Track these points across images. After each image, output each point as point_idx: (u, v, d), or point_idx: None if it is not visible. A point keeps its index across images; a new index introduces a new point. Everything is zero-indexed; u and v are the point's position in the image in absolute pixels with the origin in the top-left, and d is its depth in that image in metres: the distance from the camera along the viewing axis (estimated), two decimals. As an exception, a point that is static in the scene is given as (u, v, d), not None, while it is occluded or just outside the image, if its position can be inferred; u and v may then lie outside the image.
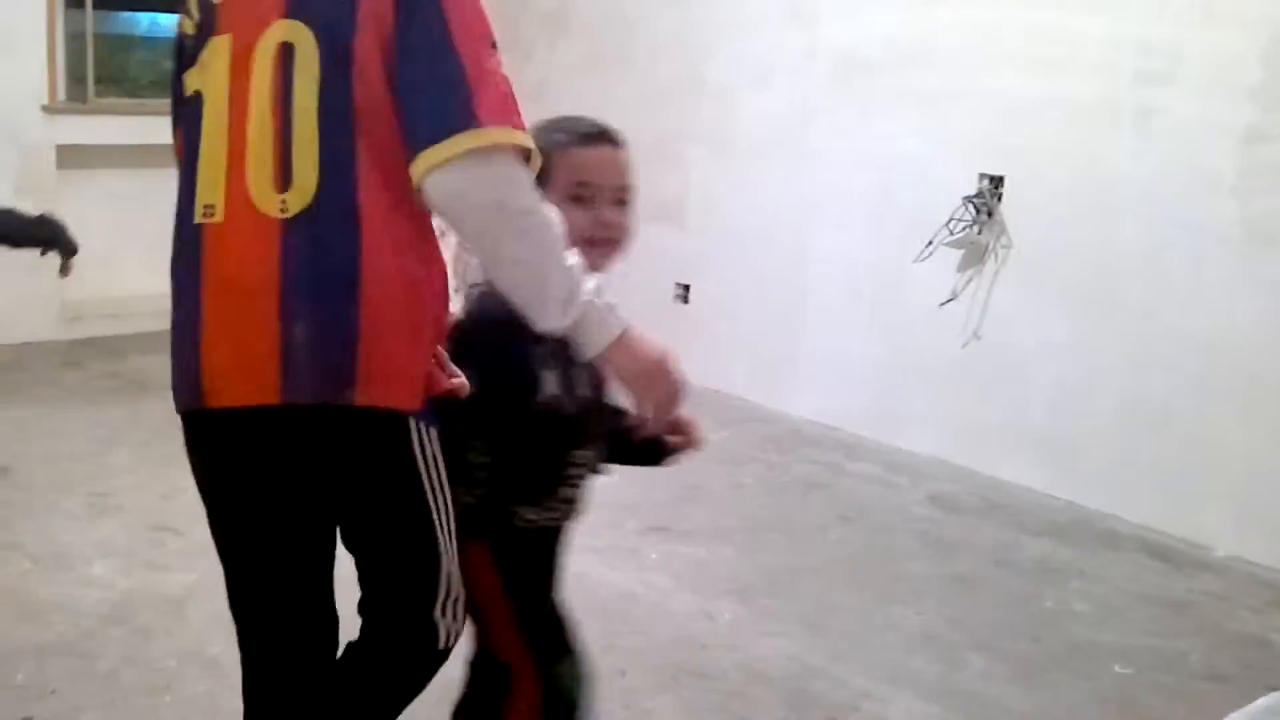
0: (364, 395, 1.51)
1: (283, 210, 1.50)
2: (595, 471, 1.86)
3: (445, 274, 1.65)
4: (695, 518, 3.85)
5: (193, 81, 1.59)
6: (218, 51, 1.56)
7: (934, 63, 4.42)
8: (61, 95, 5.19)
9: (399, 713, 1.70)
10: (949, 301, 4.40)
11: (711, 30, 5.17)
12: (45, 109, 5.06)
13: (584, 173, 1.66)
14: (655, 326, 5.56)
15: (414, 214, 1.57)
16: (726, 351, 5.20)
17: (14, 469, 3.78)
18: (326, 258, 1.50)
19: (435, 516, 1.60)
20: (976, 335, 4.36)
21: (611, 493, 3.94)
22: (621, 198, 1.72)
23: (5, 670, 2.70)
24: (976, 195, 4.30)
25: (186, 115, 1.61)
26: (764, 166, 5.01)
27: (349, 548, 1.67)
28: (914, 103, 4.49)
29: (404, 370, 1.55)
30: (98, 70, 5.29)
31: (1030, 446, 4.23)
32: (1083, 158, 4.06)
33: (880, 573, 3.53)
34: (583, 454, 1.79)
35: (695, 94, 5.24)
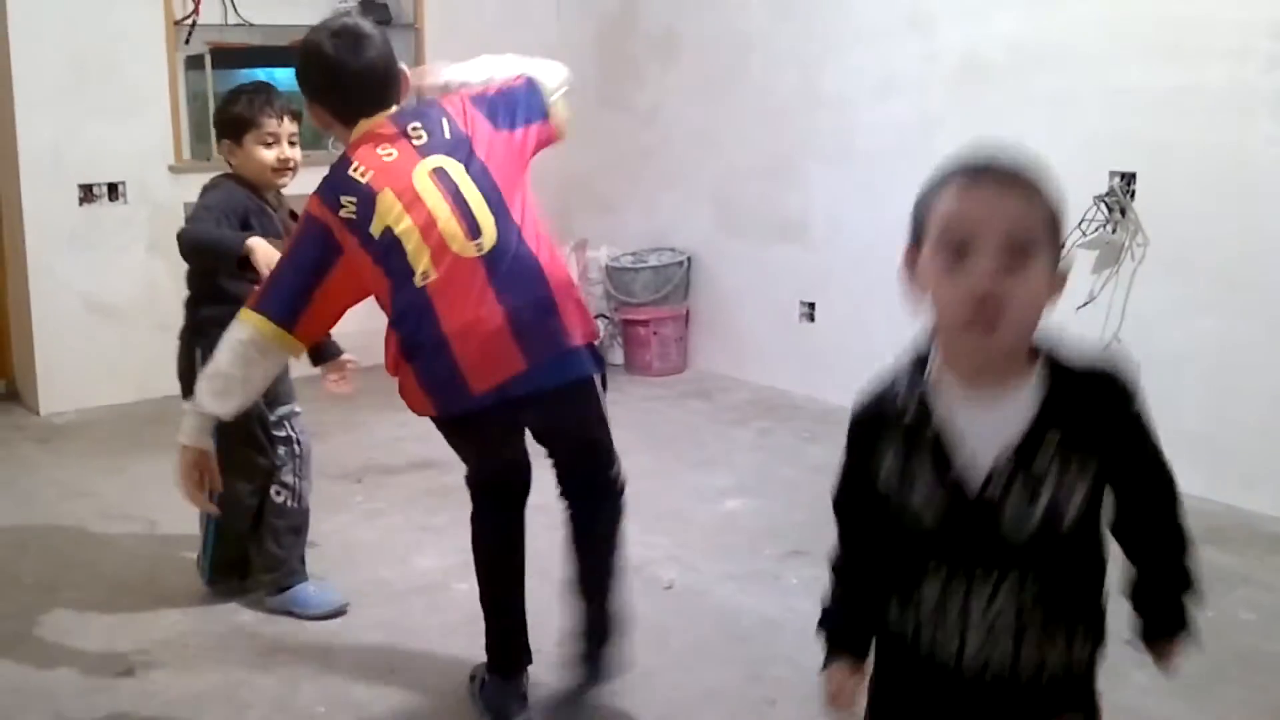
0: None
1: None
2: None
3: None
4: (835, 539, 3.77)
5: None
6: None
7: (1057, 61, 4.31)
8: (186, 154, 5.36)
9: None
10: (1086, 304, 4.26)
11: (827, 42, 5.11)
12: (172, 168, 5.23)
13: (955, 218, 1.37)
14: (781, 346, 5.56)
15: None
16: (856, 368, 5.06)
17: (162, 521, 3.89)
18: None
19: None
20: (1117, 338, 4.21)
21: (749, 518, 3.94)
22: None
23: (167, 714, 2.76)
24: (1108, 194, 4.17)
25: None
26: (887, 177, 4.92)
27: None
28: (1038, 103, 4.38)
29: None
30: (219, 128, 5.44)
31: (1183, 450, 4.01)
32: (1218, 147, 3.91)
33: (1031, 588, 3.42)
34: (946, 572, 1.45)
35: (812, 108, 5.19)
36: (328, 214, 2.44)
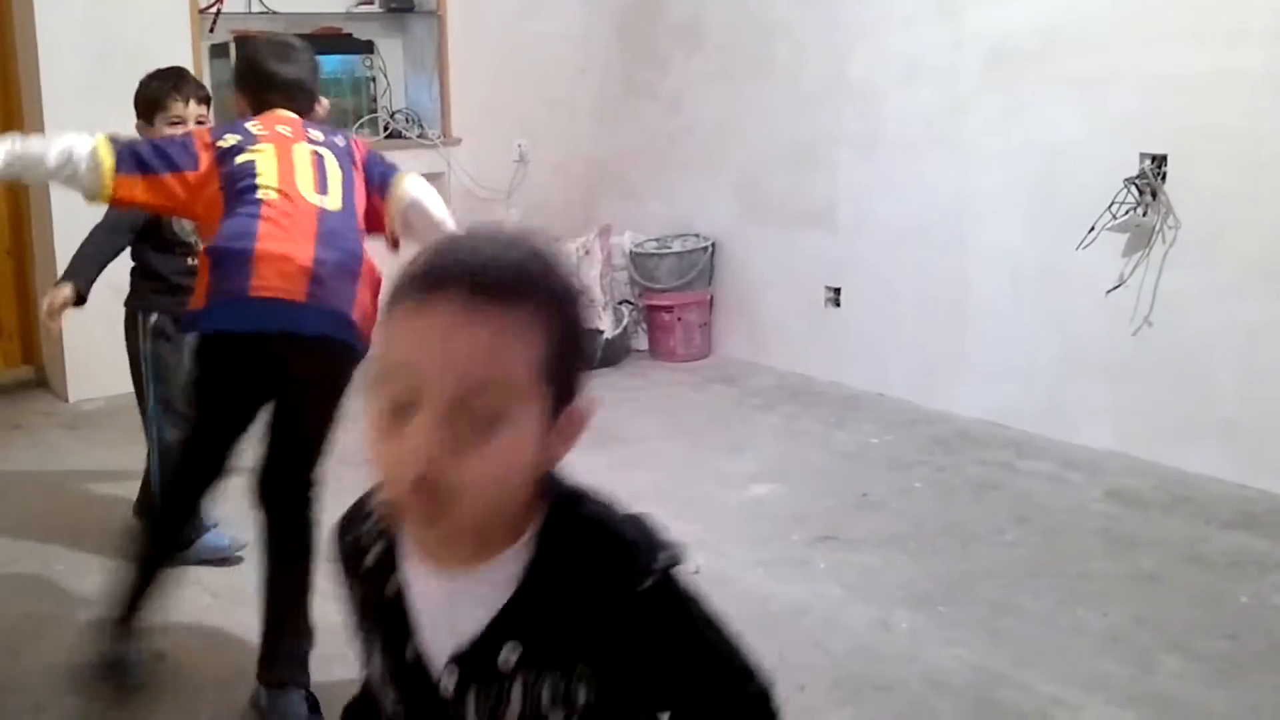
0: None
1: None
2: None
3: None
4: (864, 525, 3.76)
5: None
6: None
7: (1086, 44, 4.27)
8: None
9: None
10: (1116, 288, 4.23)
11: (853, 29, 5.08)
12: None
13: (394, 357, 0.97)
14: (806, 332, 5.55)
15: None
16: (884, 353, 5.10)
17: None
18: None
19: None
20: (1148, 321, 4.18)
21: (776, 504, 3.93)
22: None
23: (194, 702, 2.77)
24: (1139, 176, 4.13)
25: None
26: (915, 163, 4.90)
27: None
28: (1067, 86, 4.34)
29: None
30: (245, 117, 5.45)
31: (1215, 434, 4.04)
32: (1250, 130, 3.86)
33: (1061, 574, 3.40)
34: None
35: (839, 95, 5.16)
36: (205, 137, 2.74)
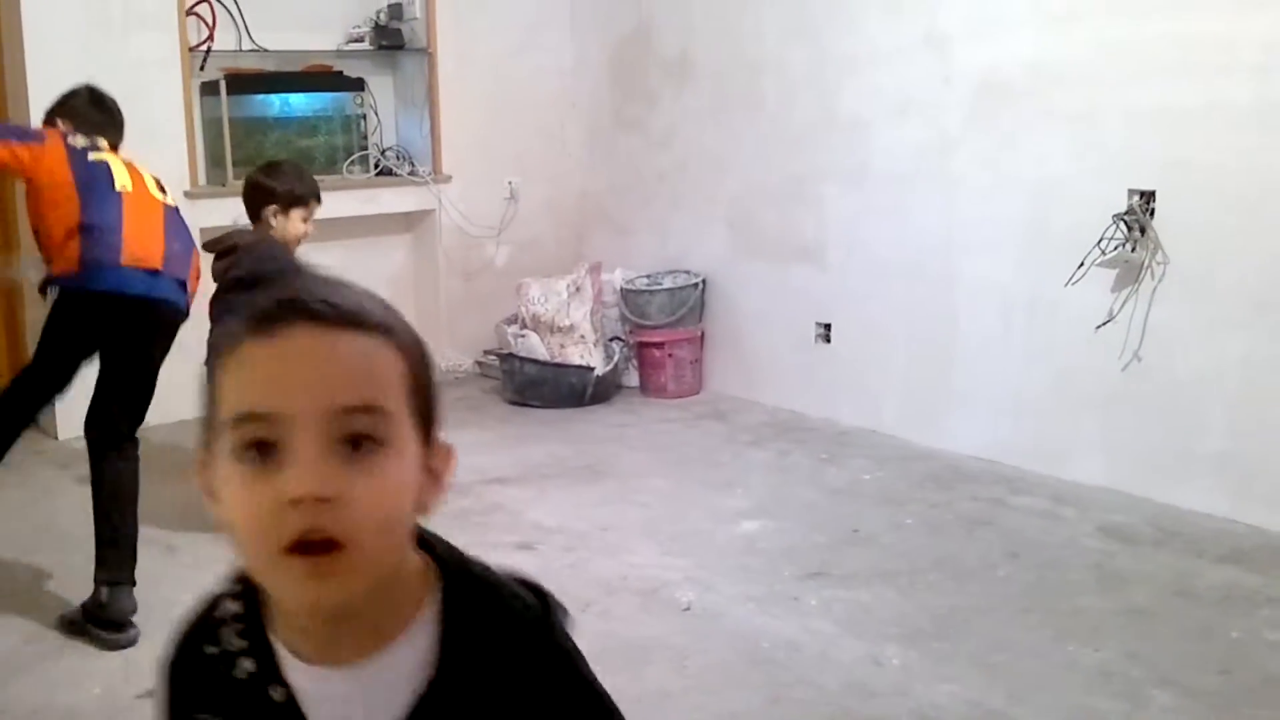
0: None
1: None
2: None
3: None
4: (856, 561, 3.76)
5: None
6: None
7: (1075, 80, 4.30)
8: (202, 179, 5.39)
9: None
10: (1106, 323, 4.24)
11: (842, 65, 5.11)
12: (188, 194, 5.24)
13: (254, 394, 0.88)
14: (797, 368, 5.54)
15: None
16: (875, 389, 5.10)
17: (180, 547, 3.89)
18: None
19: None
20: (1138, 357, 4.19)
21: (767, 540, 3.92)
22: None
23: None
24: (1127, 212, 4.15)
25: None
26: (905, 199, 4.92)
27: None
28: (1056, 122, 4.37)
29: None
30: (235, 153, 5.48)
31: (1205, 470, 4.04)
32: (1239, 165, 3.89)
33: (1054, 609, 3.40)
34: None
35: (828, 130, 5.19)
36: (57, 132, 3.49)
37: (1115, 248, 4.18)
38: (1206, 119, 3.95)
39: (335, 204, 5.07)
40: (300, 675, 0.91)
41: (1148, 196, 4.12)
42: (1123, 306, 4.22)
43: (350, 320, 0.87)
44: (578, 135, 6.44)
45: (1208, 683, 2.96)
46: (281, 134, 5.76)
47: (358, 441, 0.85)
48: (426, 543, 0.95)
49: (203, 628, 0.97)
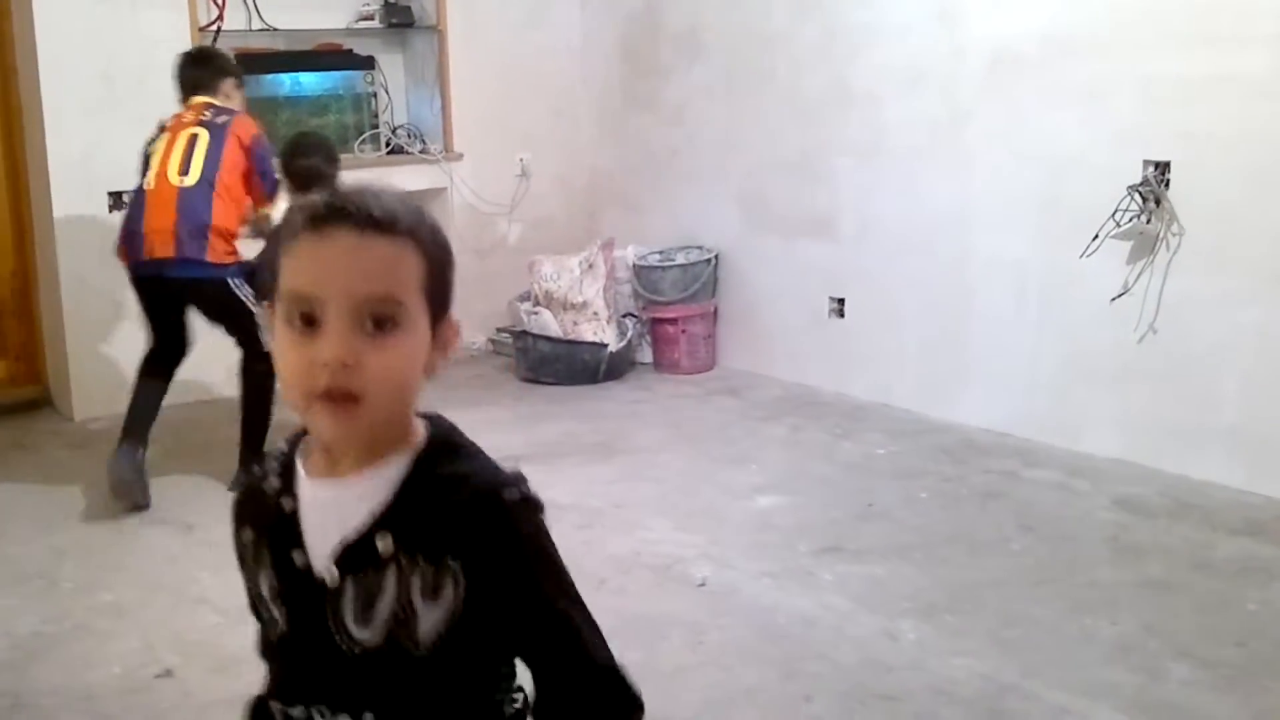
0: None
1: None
2: None
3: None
4: (870, 536, 3.76)
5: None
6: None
7: (1089, 51, 4.27)
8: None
9: None
10: (1121, 295, 4.23)
11: (854, 38, 5.08)
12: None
13: (302, 278, 1.13)
14: (810, 343, 5.52)
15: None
16: (889, 363, 5.09)
17: (198, 525, 3.91)
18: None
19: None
20: (1153, 329, 4.18)
21: (782, 515, 3.92)
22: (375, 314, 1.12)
23: (202, 721, 2.77)
24: (1142, 183, 4.13)
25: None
26: (918, 172, 4.90)
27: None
28: (1070, 93, 4.34)
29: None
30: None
31: (1221, 441, 4.03)
32: (1256, 135, 3.86)
33: (1069, 582, 3.39)
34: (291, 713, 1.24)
35: (841, 104, 5.16)
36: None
37: (1130, 219, 4.16)
38: (1222, 89, 3.92)
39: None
40: (305, 487, 1.17)
41: (1163, 168, 4.09)
42: (1137, 279, 4.20)
43: (383, 226, 1.10)
44: (588, 112, 6.42)
45: (1225, 655, 2.95)
46: (292, 113, 5.75)
47: (379, 322, 1.10)
48: (432, 420, 1.20)
49: (259, 468, 1.24)
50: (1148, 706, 2.73)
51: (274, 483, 1.20)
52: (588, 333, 5.65)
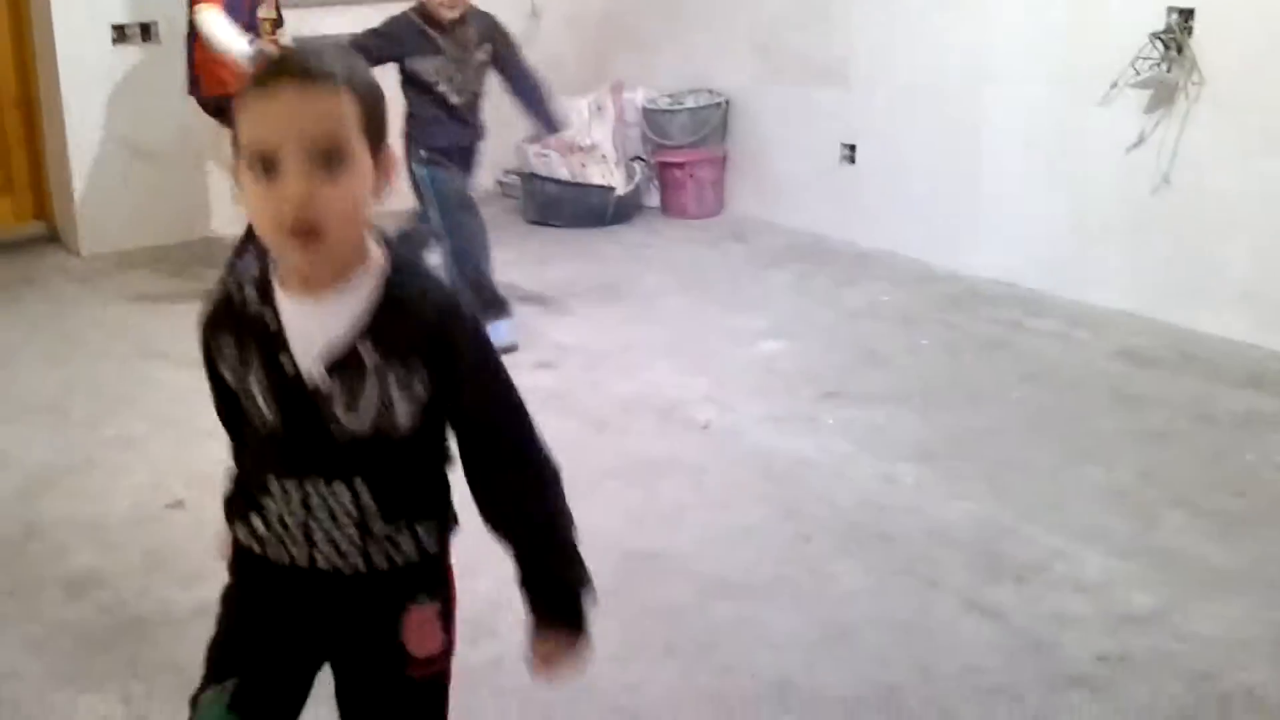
0: None
1: None
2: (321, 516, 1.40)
3: None
4: (872, 382, 3.78)
5: None
6: None
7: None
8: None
9: None
10: (1136, 146, 4.16)
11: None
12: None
13: (257, 131, 1.28)
14: (820, 190, 5.46)
15: None
16: (898, 211, 5.05)
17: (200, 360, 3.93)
18: None
19: None
20: (1166, 180, 4.13)
21: (785, 360, 3.94)
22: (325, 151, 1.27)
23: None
24: (1165, 31, 4.03)
25: None
26: (934, 17, 4.78)
27: None
28: (1093, -65, 4.22)
29: None
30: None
31: (1229, 295, 4.02)
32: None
33: (1068, 430, 3.42)
34: (287, 484, 1.39)
35: (857, -56, 5.02)
36: None
37: (1150, 67, 4.07)
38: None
39: (347, 21, 4.96)
40: (285, 303, 1.34)
41: (1187, 15, 3.99)
42: (1154, 129, 4.13)
43: (320, 78, 1.26)
44: (600, -52, 6.25)
45: (1220, 503, 2.99)
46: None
47: (329, 160, 1.25)
48: (389, 244, 1.38)
49: (227, 282, 1.40)
50: (1142, 551, 2.78)
51: (253, 296, 1.36)
52: (595, 175, 5.60)
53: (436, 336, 1.34)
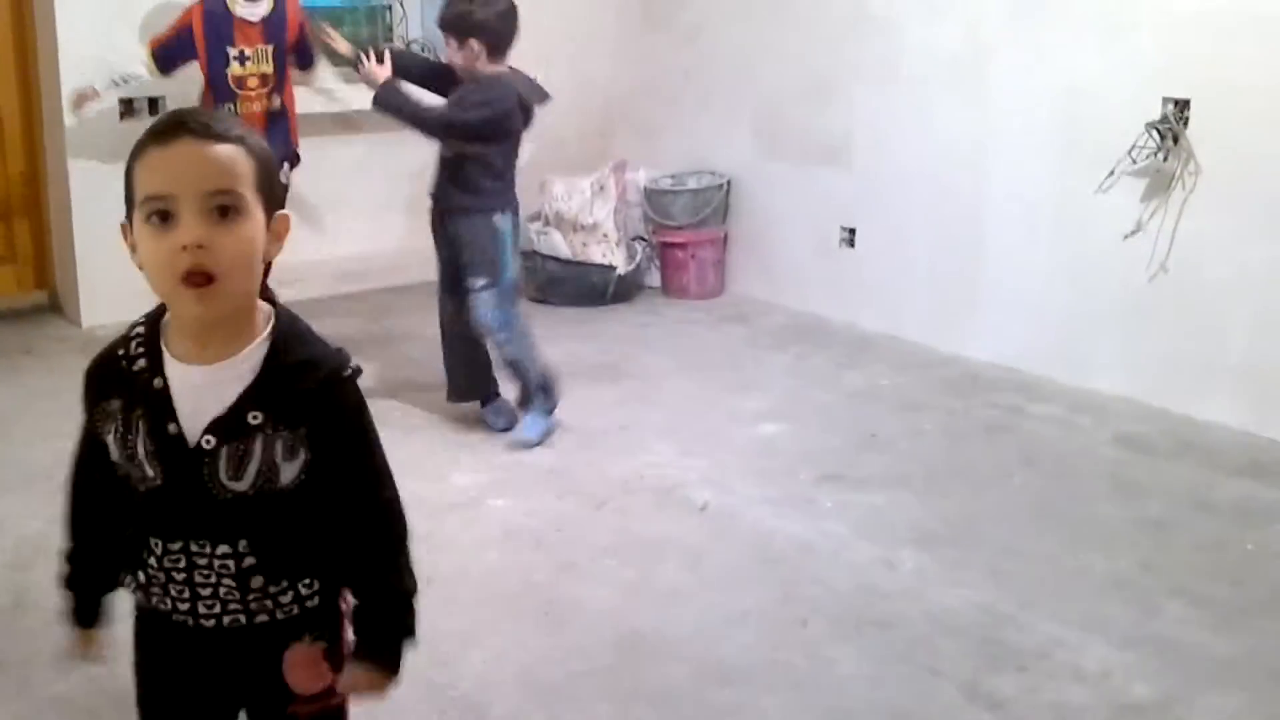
0: None
1: None
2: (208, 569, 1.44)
3: None
4: (872, 465, 3.77)
5: None
6: None
7: (1111, -17, 4.21)
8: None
9: None
10: (1134, 233, 4.20)
11: (873, -36, 5.01)
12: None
13: (156, 181, 1.33)
14: (820, 272, 5.49)
15: None
16: (898, 295, 5.07)
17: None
18: None
19: None
20: (1164, 268, 4.15)
21: (785, 442, 3.94)
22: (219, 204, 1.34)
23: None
24: (1161, 121, 4.08)
25: None
26: (935, 101, 4.85)
27: None
28: (1091, 27, 4.28)
29: None
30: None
31: (1226, 382, 4.02)
32: (1278, 73, 3.81)
33: (1068, 517, 3.41)
34: (170, 545, 1.41)
35: (859, 30, 5.09)
36: None
37: (1147, 156, 4.12)
38: (1246, 29, 3.86)
39: (360, 97, 5.02)
40: (175, 370, 1.38)
41: (1182, 105, 4.05)
42: (1152, 216, 4.17)
43: (217, 134, 1.33)
44: (605, 32, 6.33)
45: (1219, 594, 2.97)
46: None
47: (224, 211, 1.32)
48: (272, 302, 1.44)
49: (117, 344, 1.43)
50: (1140, 641, 2.76)
51: (140, 362, 1.40)
52: (597, 255, 5.63)
53: (321, 403, 1.40)
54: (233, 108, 4.48)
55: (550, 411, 3.97)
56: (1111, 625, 2.82)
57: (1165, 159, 4.08)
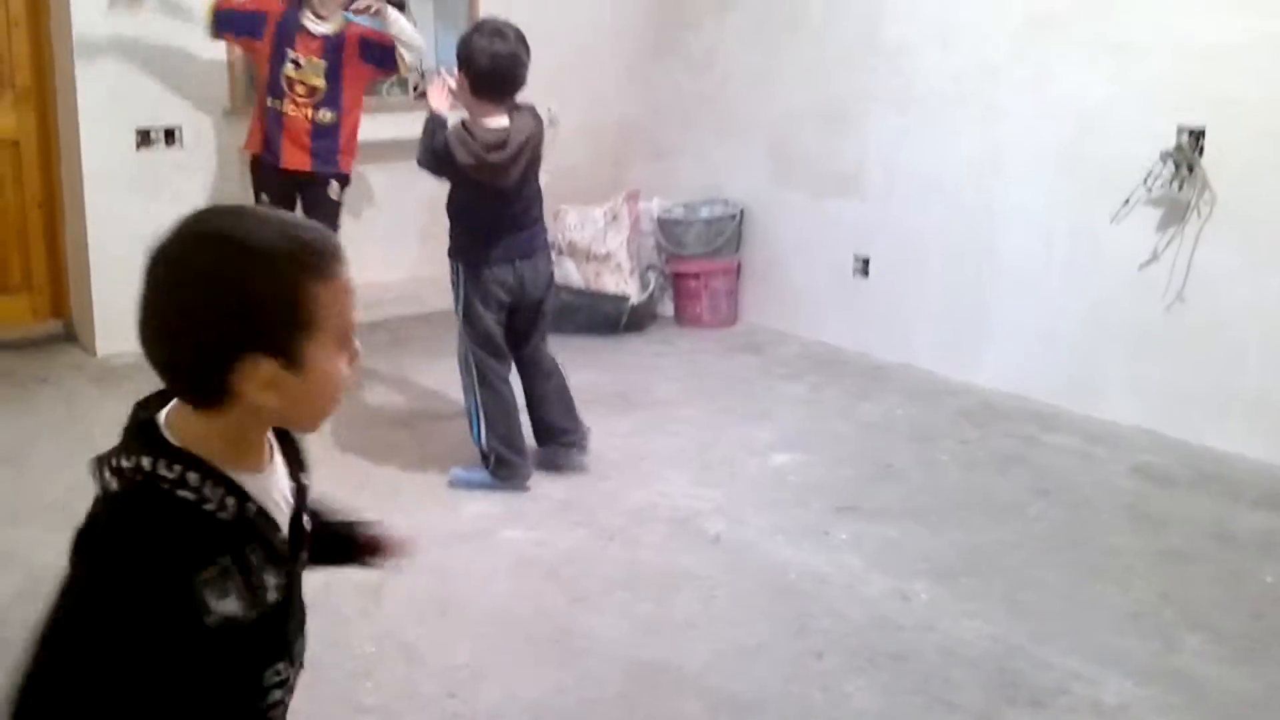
0: None
1: None
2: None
3: None
4: (886, 496, 3.75)
5: None
6: None
7: (1123, 11, 4.21)
8: (241, 99, 5.35)
9: None
10: (1149, 263, 4.18)
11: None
12: (226, 113, 5.26)
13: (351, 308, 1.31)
14: (833, 301, 5.48)
15: None
16: (912, 324, 5.06)
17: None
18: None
19: None
20: (1180, 297, 4.13)
21: (798, 473, 3.92)
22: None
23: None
24: (1176, 150, 4.07)
25: None
26: (948, 128, 4.84)
27: None
28: (1103, 55, 4.28)
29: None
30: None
31: (1244, 412, 4.00)
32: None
33: (1085, 549, 3.38)
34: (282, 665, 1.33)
35: (872, 56, 5.10)
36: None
37: (1161, 186, 4.11)
38: (1261, 57, 3.86)
39: (375, 128, 5.05)
40: (249, 482, 1.28)
41: (1197, 135, 4.03)
42: (1167, 245, 4.15)
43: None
44: (618, 59, 6.36)
45: (1239, 627, 2.94)
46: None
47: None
48: None
49: (175, 511, 1.23)
50: (1160, 675, 2.73)
51: (229, 500, 1.24)
52: (610, 284, 5.63)
53: (299, 445, 1.42)
54: (278, 104, 4.60)
55: (494, 480, 3.76)
56: (1130, 659, 2.79)
57: (1180, 188, 4.07)
